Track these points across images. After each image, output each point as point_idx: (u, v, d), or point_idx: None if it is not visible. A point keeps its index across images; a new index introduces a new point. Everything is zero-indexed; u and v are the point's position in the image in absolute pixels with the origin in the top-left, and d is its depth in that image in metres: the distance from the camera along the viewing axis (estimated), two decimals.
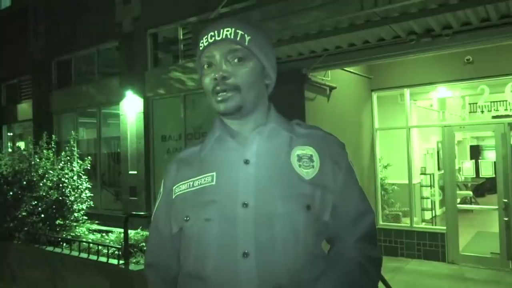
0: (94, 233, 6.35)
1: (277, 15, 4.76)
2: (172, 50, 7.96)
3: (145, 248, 5.09)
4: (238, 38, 1.15)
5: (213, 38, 1.16)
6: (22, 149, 7.26)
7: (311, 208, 1.11)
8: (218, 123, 1.23)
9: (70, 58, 9.67)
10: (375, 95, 7.38)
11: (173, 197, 1.21)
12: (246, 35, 1.15)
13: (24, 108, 11.05)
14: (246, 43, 1.15)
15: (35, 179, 6.27)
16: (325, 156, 1.18)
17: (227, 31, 1.15)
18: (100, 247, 5.01)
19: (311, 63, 5.59)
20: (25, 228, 6.06)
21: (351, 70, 6.78)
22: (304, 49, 5.37)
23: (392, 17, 4.32)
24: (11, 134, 11.92)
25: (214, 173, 1.16)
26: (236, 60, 1.15)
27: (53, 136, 6.86)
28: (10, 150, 10.84)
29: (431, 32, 4.63)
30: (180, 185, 1.20)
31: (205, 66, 1.18)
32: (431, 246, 6.64)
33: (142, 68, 7.93)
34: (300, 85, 5.87)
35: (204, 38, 1.18)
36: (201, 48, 1.19)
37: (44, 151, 6.56)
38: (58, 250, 5.41)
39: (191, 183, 1.18)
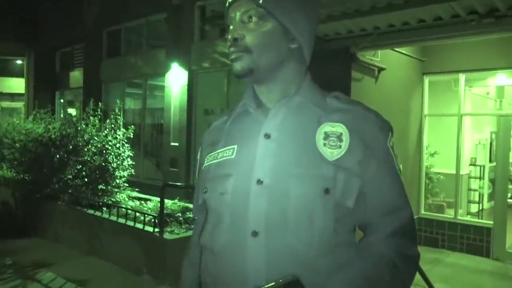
0: (134, 200, 6.52)
1: None
2: (218, 24, 7.85)
3: (180, 218, 5.19)
4: None
5: None
6: (72, 115, 7.53)
7: (330, 192, 1.00)
8: (248, 93, 1.15)
9: (120, 29, 9.84)
10: (426, 79, 7.01)
11: (203, 167, 1.19)
12: None
13: (76, 76, 11.44)
14: (260, 1, 1.04)
15: (80, 144, 6.48)
16: (358, 137, 1.04)
17: None
18: (137, 214, 5.12)
19: (360, 42, 5.35)
20: (69, 191, 6.31)
21: (403, 51, 6.45)
22: (354, 27, 5.14)
23: None
24: (62, 100, 12.40)
25: (235, 146, 1.10)
26: (252, 20, 1.06)
27: (100, 104, 7.03)
28: (61, 115, 11.31)
29: (495, 12, 4.27)
30: (209, 156, 1.17)
31: (230, 27, 1.11)
32: (475, 240, 6.33)
33: (189, 41, 7.93)
34: (348, 65, 5.64)
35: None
36: (226, 7, 1.12)
37: (91, 117, 6.75)
38: (98, 213, 5.60)
39: (216, 155, 1.14)
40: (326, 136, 1.04)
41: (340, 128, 1.05)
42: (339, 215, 1.01)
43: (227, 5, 1.11)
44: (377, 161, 1.06)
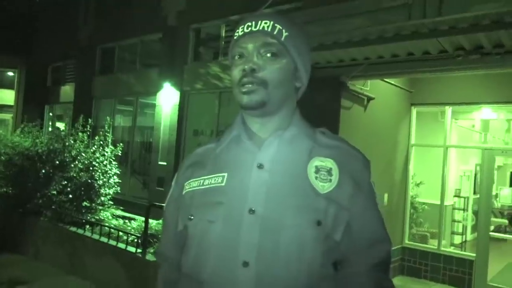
0: (118, 218, 6.44)
1: (321, 18, 4.68)
2: (212, 47, 7.99)
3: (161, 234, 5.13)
4: (275, 32, 1.09)
5: (249, 28, 1.10)
6: (61, 129, 7.48)
7: (321, 224, 1.02)
8: (238, 122, 1.17)
9: (114, 46, 9.90)
10: (414, 110, 7.14)
11: (183, 193, 1.17)
12: (284, 31, 1.09)
13: (67, 91, 11.42)
14: (283, 39, 1.09)
15: (67, 159, 6.43)
16: (346, 172, 1.08)
17: (265, 23, 1.09)
18: (121, 233, 5.06)
19: (350, 71, 5.45)
20: (53, 207, 6.22)
21: (392, 82, 6.58)
22: (345, 56, 5.25)
23: (441, 30, 4.14)
24: (51, 114, 12.32)
25: (226, 174, 1.10)
26: (269, 54, 1.09)
27: (89, 120, 7.02)
28: (50, 129, 11.23)
29: (480, 49, 4.41)
30: (191, 182, 1.16)
31: (237, 57, 1.12)
32: (457, 272, 6.35)
33: (182, 62, 8.00)
34: (337, 93, 5.73)
35: (240, 28, 1.12)
36: (235, 38, 1.13)
37: (79, 133, 6.72)
38: (80, 231, 5.52)
39: (202, 181, 1.13)
40: (317, 169, 1.07)
41: (329, 163, 1.08)
42: (327, 248, 1.03)
43: (240, 34, 1.12)
44: (364, 196, 1.10)
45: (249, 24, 1.11)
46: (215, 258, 1.04)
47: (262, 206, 1.02)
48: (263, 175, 1.06)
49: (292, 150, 1.10)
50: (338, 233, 1.05)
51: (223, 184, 1.08)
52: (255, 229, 1.01)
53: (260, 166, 1.07)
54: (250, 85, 1.07)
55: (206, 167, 1.15)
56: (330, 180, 1.06)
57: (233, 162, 1.11)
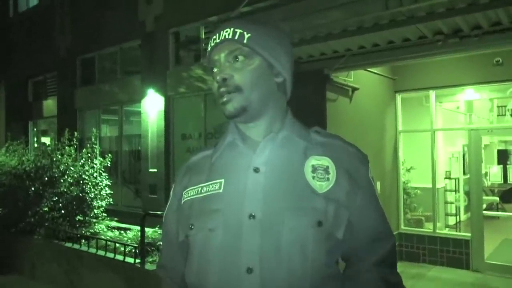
0: (113, 230, 6.40)
1: (299, 14, 4.67)
2: (193, 49, 7.95)
3: (161, 247, 5.11)
4: (236, 37, 1.09)
5: (214, 41, 1.13)
6: (47, 145, 7.38)
7: (322, 224, 1.02)
8: (232, 127, 1.17)
9: (94, 56, 9.79)
10: (399, 97, 7.20)
11: (182, 202, 1.16)
12: (245, 33, 1.09)
13: (50, 105, 11.26)
14: (245, 41, 1.09)
15: (56, 175, 6.36)
16: (343, 169, 1.09)
17: (226, 31, 1.11)
18: (117, 245, 5.02)
19: (333, 64, 5.47)
20: (46, 224, 6.15)
21: (375, 71, 6.62)
22: (326, 49, 5.26)
23: (419, 17, 4.17)
24: (36, 130, 12.16)
25: (222, 180, 1.09)
26: (236, 60, 1.10)
27: (75, 133, 6.94)
28: (36, 145, 11.08)
29: (459, 33, 4.45)
30: (189, 190, 1.15)
31: (214, 70, 1.14)
32: (455, 253, 6.43)
33: (164, 67, 7.95)
34: (322, 86, 5.75)
35: (209, 44, 1.15)
36: (207, 53, 1.15)
37: (66, 147, 6.64)
38: (76, 246, 5.47)
39: (199, 189, 1.12)
40: (314, 169, 1.07)
41: (325, 161, 1.08)
42: (329, 247, 1.03)
43: (209, 49, 1.14)
44: (362, 191, 1.10)
45: (214, 37, 1.13)
46: (218, 266, 1.03)
47: (260, 210, 1.02)
48: (259, 179, 1.06)
49: (287, 151, 1.10)
50: (340, 231, 1.05)
51: (220, 190, 1.08)
52: (255, 234, 1.01)
53: (256, 170, 1.07)
54: (226, 95, 1.09)
55: (203, 175, 1.15)
56: (328, 179, 1.06)
57: (229, 168, 1.11)
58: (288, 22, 4.58)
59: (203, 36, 7.51)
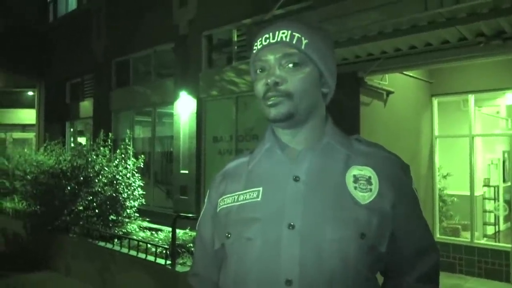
0: (145, 230, 6.47)
1: (334, 16, 4.60)
2: (226, 52, 7.98)
3: (192, 248, 5.13)
4: (294, 41, 1.05)
5: (267, 40, 1.07)
6: (83, 145, 7.57)
7: (365, 237, 0.97)
8: (269, 134, 1.13)
9: (129, 59, 9.99)
10: (435, 101, 6.98)
11: (218, 210, 1.13)
12: (303, 38, 1.05)
13: (86, 106, 11.59)
14: (303, 47, 1.04)
15: (91, 175, 6.49)
16: (386, 180, 1.04)
17: (283, 33, 1.05)
18: (149, 246, 5.07)
19: (368, 67, 5.36)
20: (80, 222, 6.29)
21: (411, 74, 6.45)
22: (361, 52, 5.16)
23: (459, 18, 4.02)
24: (72, 130, 12.53)
25: (261, 189, 1.06)
26: (290, 65, 1.05)
27: (110, 134, 7.08)
28: (72, 145, 11.41)
29: (502, 34, 4.27)
30: (225, 198, 1.12)
31: (258, 71, 1.09)
32: (494, 264, 6.16)
33: (196, 70, 8.02)
34: (356, 89, 5.65)
35: (258, 41, 1.09)
36: (254, 51, 1.10)
37: (101, 148, 6.78)
38: (109, 245, 5.56)
39: (236, 197, 1.09)
40: (356, 179, 1.03)
41: (367, 171, 1.04)
42: (372, 261, 0.99)
43: (259, 46, 1.09)
44: (406, 203, 1.05)
45: (267, 36, 1.07)
46: (256, 277, 0.99)
47: (300, 220, 0.98)
48: (300, 188, 1.02)
49: (327, 160, 1.06)
50: (383, 244, 1.01)
51: (259, 199, 1.05)
52: (295, 245, 0.97)
53: (296, 179, 1.03)
54: (275, 98, 1.04)
55: (240, 182, 1.12)
56: (370, 190, 1.01)
57: (267, 176, 1.08)
58: (322, 24, 4.51)
59: (235, 39, 7.53)
